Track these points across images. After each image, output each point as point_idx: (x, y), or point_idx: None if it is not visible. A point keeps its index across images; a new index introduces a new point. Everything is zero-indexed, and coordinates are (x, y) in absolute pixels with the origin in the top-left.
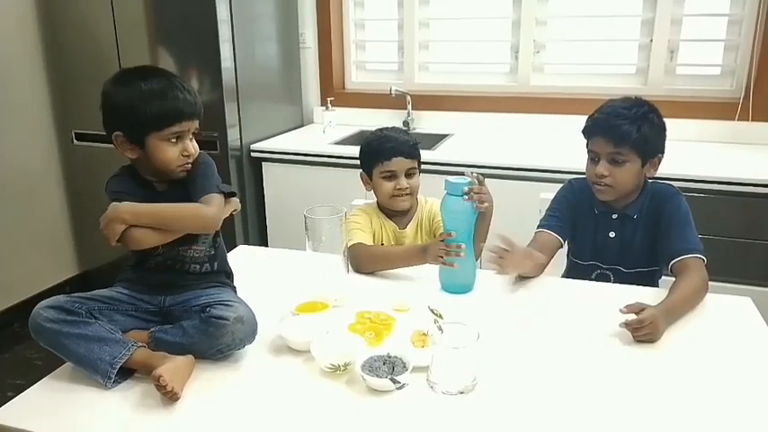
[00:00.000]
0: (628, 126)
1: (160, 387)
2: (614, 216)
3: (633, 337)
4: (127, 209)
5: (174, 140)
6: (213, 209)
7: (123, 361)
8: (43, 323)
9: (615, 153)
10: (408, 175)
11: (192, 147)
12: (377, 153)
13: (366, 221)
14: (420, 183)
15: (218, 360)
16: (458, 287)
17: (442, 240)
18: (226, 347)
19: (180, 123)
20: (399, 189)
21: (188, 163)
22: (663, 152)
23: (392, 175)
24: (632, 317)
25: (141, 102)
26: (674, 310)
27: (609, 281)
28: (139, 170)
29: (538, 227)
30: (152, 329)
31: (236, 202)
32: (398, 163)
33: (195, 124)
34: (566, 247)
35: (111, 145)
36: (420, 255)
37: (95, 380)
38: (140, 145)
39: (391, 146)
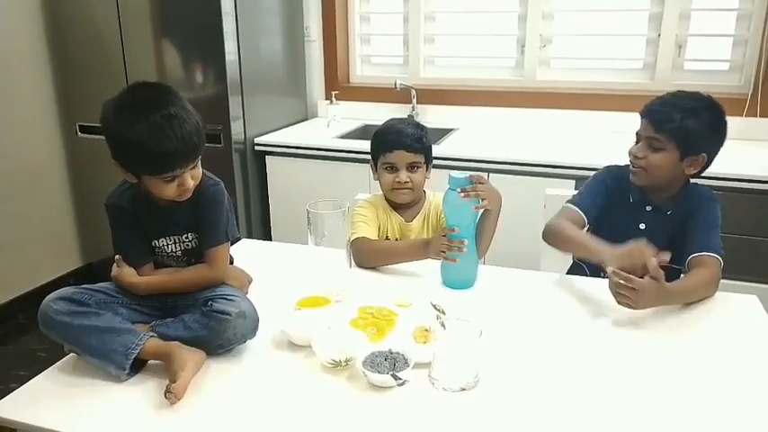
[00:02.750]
0: (672, 114)
1: (168, 393)
2: (648, 208)
3: (613, 293)
4: (143, 284)
5: (169, 179)
6: (218, 271)
7: (137, 351)
8: (54, 316)
9: (653, 138)
10: (411, 168)
11: (192, 178)
12: (380, 144)
13: (372, 214)
14: (427, 177)
15: (220, 354)
16: (459, 283)
17: (445, 235)
18: (227, 342)
19: (173, 171)
20: (398, 182)
21: (187, 193)
22: (707, 153)
23: (393, 168)
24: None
25: (135, 147)
26: (674, 294)
27: None
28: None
29: (567, 201)
30: (153, 323)
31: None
32: (399, 156)
33: (192, 164)
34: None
35: None
36: (422, 249)
37: (109, 372)
38: (137, 177)
39: (394, 137)
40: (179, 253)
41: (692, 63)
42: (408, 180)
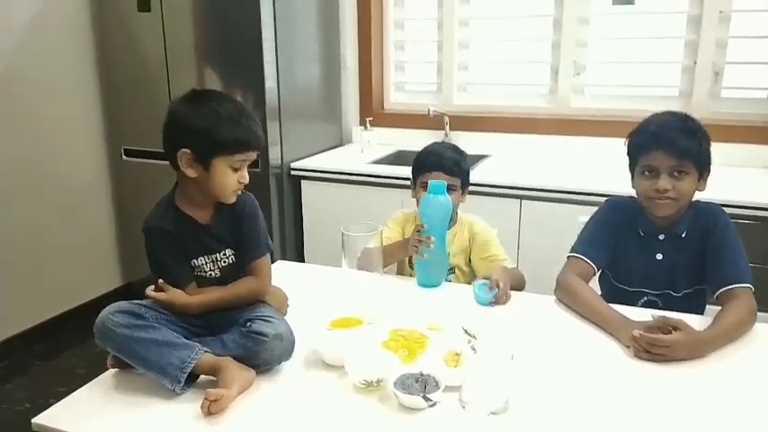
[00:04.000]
0: (688, 139)
1: (209, 404)
2: (661, 237)
3: (643, 358)
4: (196, 304)
5: (236, 167)
6: (266, 281)
7: (193, 365)
8: (114, 328)
9: (677, 166)
10: (447, 190)
11: (246, 179)
12: (421, 165)
13: (396, 226)
14: (462, 201)
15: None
16: (428, 280)
17: (418, 231)
18: (263, 363)
19: (248, 152)
20: None
21: (236, 194)
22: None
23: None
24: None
25: (219, 123)
26: (712, 340)
27: (657, 308)
28: (179, 203)
29: (572, 251)
30: (193, 340)
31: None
32: (436, 177)
33: (257, 153)
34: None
35: (160, 161)
36: (404, 246)
37: (164, 384)
38: (205, 166)
39: (433, 160)
40: (216, 272)
41: (729, 91)
42: None
